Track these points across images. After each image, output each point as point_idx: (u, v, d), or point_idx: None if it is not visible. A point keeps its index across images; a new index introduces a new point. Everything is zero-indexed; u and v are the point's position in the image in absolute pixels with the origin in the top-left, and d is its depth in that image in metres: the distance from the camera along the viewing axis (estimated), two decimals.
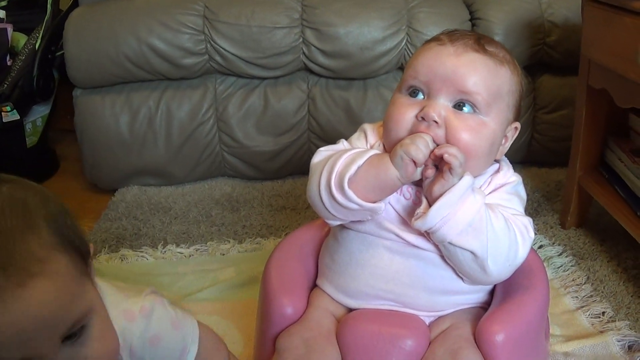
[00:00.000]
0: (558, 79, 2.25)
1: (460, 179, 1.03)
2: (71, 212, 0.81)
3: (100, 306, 0.81)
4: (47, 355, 0.73)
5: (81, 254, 0.79)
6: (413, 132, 1.08)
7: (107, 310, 0.83)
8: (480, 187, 1.12)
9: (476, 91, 1.07)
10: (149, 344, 0.90)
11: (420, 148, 1.03)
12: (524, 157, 2.33)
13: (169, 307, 0.96)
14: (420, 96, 1.11)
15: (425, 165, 1.05)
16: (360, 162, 1.07)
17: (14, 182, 0.77)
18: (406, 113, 1.10)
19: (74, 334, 0.75)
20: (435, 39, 1.14)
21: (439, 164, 1.05)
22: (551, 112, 2.26)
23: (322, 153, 1.17)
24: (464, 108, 1.08)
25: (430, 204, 1.04)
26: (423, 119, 1.07)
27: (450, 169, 1.02)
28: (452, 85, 1.08)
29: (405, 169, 1.04)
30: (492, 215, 1.06)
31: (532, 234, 1.11)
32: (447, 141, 1.07)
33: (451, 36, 1.13)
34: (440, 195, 1.03)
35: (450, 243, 1.05)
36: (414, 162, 1.04)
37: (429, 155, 1.04)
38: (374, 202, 1.07)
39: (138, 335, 0.89)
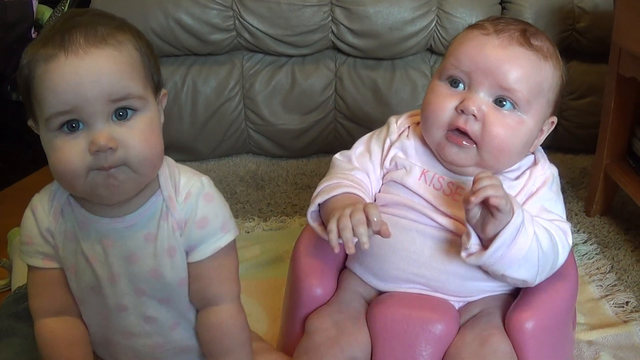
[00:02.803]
0: (586, 66, 2.22)
1: (512, 215, 1.00)
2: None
3: (155, 118, 0.95)
4: (95, 115, 0.88)
5: (152, 75, 0.95)
6: (451, 124, 1.09)
7: (159, 130, 0.97)
8: (517, 178, 1.15)
9: (518, 88, 1.07)
10: (203, 198, 1.00)
11: (349, 245, 1.02)
12: (550, 143, 2.29)
13: None
14: (461, 87, 1.10)
15: (468, 208, 1.02)
16: (320, 201, 1.15)
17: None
18: (445, 103, 1.10)
19: (124, 113, 0.90)
20: (480, 27, 1.13)
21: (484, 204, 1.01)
22: (578, 99, 2.24)
23: (335, 161, 1.29)
24: (504, 104, 1.08)
25: (481, 239, 1.04)
26: (462, 112, 1.07)
27: (498, 209, 0.98)
28: (494, 79, 1.07)
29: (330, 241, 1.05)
30: (539, 235, 1.05)
31: (570, 242, 1.12)
32: (482, 136, 1.07)
33: (496, 25, 1.11)
34: (495, 234, 1.01)
35: (503, 275, 1.06)
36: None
37: (470, 197, 1.00)
38: None
39: (199, 186, 1.01)
